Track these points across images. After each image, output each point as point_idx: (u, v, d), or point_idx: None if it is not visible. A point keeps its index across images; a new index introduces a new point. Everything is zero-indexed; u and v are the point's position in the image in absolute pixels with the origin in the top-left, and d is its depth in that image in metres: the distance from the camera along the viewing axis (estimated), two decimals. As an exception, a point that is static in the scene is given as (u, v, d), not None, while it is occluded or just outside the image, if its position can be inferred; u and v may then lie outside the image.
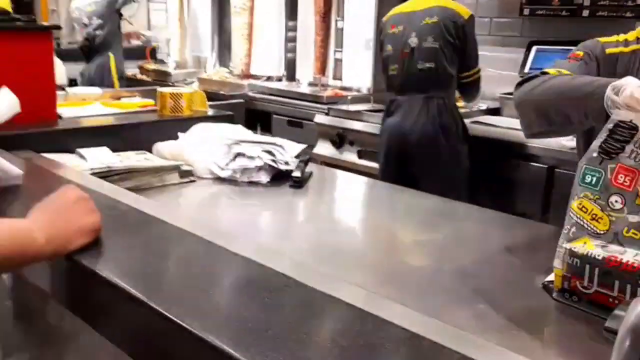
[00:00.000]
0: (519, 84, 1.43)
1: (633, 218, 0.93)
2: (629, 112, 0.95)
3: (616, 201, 0.94)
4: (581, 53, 1.44)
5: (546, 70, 1.40)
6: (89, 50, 4.91)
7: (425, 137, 2.70)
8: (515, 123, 2.91)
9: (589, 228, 0.96)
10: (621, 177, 0.95)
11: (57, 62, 2.01)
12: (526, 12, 3.21)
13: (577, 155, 1.55)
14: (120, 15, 4.98)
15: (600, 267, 0.93)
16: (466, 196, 2.50)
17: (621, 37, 1.45)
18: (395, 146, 2.80)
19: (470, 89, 2.92)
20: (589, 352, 0.89)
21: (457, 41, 2.71)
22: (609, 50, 1.43)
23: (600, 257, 0.93)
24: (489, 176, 2.77)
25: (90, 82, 4.75)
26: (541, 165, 2.61)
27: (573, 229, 0.97)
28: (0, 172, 1.22)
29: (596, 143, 0.97)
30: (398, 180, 2.61)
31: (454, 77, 2.78)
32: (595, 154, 0.97)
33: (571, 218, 0.98)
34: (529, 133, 1.40)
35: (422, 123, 2.71)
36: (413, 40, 2.75)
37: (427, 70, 2.73)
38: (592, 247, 0.94)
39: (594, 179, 0.97)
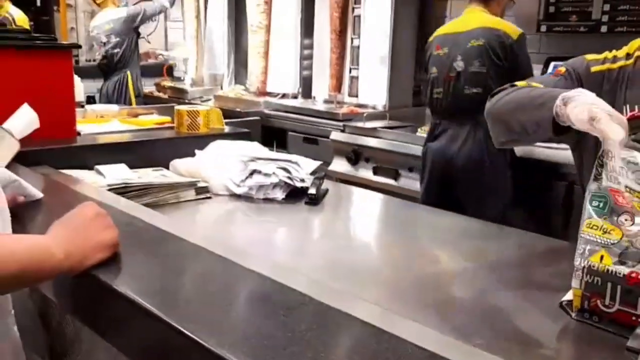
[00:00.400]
0: (491, 96, 1.45)
1: None
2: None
3: (626, 220, 0.94)
4: (563, 69, 1.42)
5: (516, 83, 1.40)
6: (107, 68, 4.99)
7: (471, 162, 2.64)
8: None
9: (603, 241, 0.94)
10: (619, 197, 0.95)
11: (76, 80, 2.04)
12: (543, 28, 3.20)
13: (576, 170, 1.55)
14: (138, 34, 5.06)
15: (623, 285, 0.91)
16: (509, 220, 2.41)
17: (611, 53, 1.40)
18: (439, 170, 2.74)
19: None
20: (611, 373, 0.88)
21: (505, 63, 2.61)
22: (594, 69, 1.38)
23: (621, 275, 0.91)
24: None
25: (107, 100, 4.83)
26: (561, 182, 2.58)
27: (587, 247, 0.96)
28: (23, 194, 1.23)
29: (594, 172, 0.99)
30: (440, 204, 2.54)
31: None
32: (593, 180, 0.98)
33: (583, 238, 0.97)
34: (497, 142, 1.44)
35: (469, 148, 2.65)
36: (459, 64, 2.68)
37: (474, 95, 2.64)
38: (610, 262, 0.92)
39: (601, 203, 0.97)
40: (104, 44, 4.94)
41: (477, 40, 2.63)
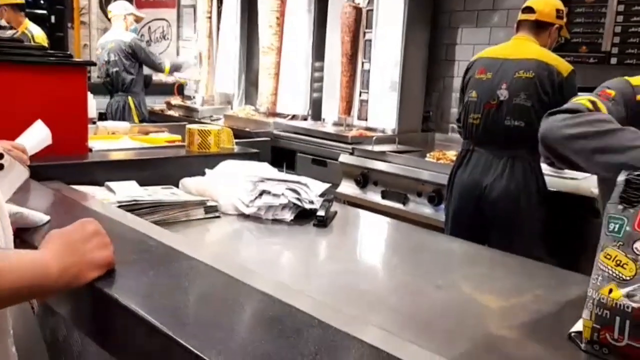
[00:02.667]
0: (551, 114, 1.37)
1: None
2: None
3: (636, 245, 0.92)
4: (613, 93, 1.36)
5: (580, 100, 1.33)
6: (111, 87, 5.08)
7: (506, 197, 2.53)
8: (543, 168, 2.89)
9: (614, 275, 0.93)
10: (636, 221, 0.92)
11: (88, 96, 2.06)
12: (553, 58, 3.22)
13: (600, 201, 1.50)
14: (140, 61, 5.12)
15: (631, 320, 0.90)
16: (539, 254, 2.34)
17: None
18: (469, 200, 2.63)
19: None
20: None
21: (552, 98, 2.49)
22: None
23: (629, 309, 0.90)
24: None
25: (112, 119, 4.88)
26: (571, 211, 2.57)
27: (600, 278, 0.95)
28: (26, 224, 1.22)
29: (615, 194, 0.97)
30: (468, 235, 2.48)
31: None
32: (617, 204, 0.96)
33: (598, 268, 0.96)
34: (546, 161, 1.38)
35: (505, 182, 2.53)
36: (503, 93, 2.56)
37: (515, 128, 2.53)
38: (618, 296, 0.91)
39: (617, 226, 0.95)
40: (107, 62, 5.02)
41: (527, 72, 2.53)
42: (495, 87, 2.58)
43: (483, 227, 2.60)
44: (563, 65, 2.53)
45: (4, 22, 4.87)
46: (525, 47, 2.61)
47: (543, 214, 2.55)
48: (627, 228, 0.94)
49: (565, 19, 2.69)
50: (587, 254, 2.61)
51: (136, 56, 5.03)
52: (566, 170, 2.79)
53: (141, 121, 4.95)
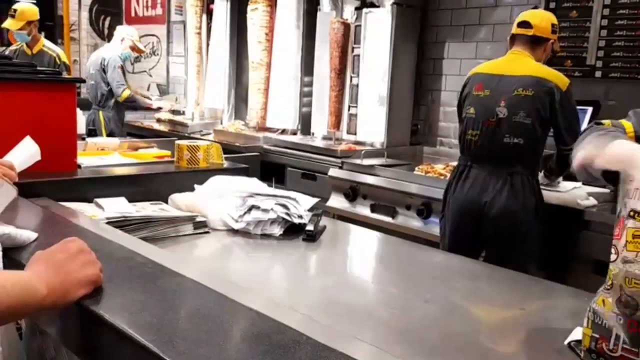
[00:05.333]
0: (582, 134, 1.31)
1: (629, 267, 0.91)
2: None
3: (611, 253, 0.93)
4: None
5: (604, 121, 1.30)
6: (86, 102, 5.12)
7: (505, 214, 2.53)
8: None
9: (604, 285, 0.95)
10: (617, 229, 0.94)
11: (77, 112, 2.06)
12: (539, 72, 3.26)
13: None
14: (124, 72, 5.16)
15: (625, 332, 0.91)
16: (533, 269, 2.36)
17: None
18: (467, 217, 2.62)
19: (567, 163, 2.63)
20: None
21: (551, 116, 2.52)
22: None
23: (621, 321, 0.91)
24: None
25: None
26: (556, 223, 2.59)
27: (600, 288, 0.96)
28: (14, 245, 1.21)
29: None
30: (467, 246, 2.46)
31: (541, 154, 2.62)
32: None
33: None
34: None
35: (504, 199, 2.53)
36: (502, 111, 2.55)
37: (514, 145, 2.53)
38: (611, 308, 0.92)
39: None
40: (88, 76, 5.09)
41: (526, 90, 2.52)
42: (494, 104, 2.58)
43: (481, 243, 2.60)
44: (561, 81, 2.53)
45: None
46: (522, 63, 2.61)
47: (541, 231, 2.56)
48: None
49: (558, 33, 2.72)
50: (574, 265, 2.63)
51: (106, 72, 5.08)
52: (558, 184, 2.84)
53: (109, 135, 4.96)
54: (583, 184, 2.56)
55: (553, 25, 2.64)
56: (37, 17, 4.89)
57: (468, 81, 2.73)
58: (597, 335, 0.95)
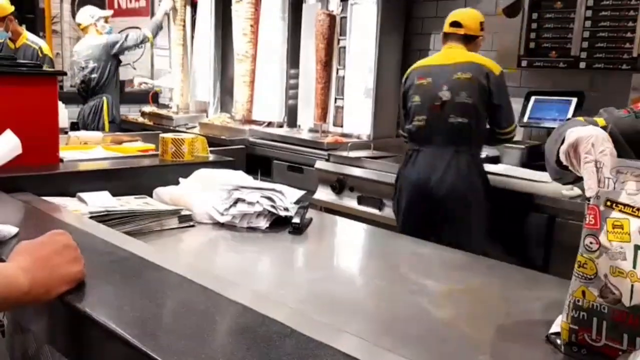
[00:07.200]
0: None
1: (612, 257, 0.90)
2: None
3: (591, 243, 0.92)
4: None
5: (579, 118, 1.30)
6: (85, 93, 5.02)
7: (453, 192, 2.66)
8: (515, 171, 2.94)
9: (580, 275, 0.94)
10: (590, 217, 0.93)
11: (59, 106, 2.03)
12: (524, 64, 3.27)
13: None
14: (119, 61, 5.09)
15: (608, 321, 0.91)
16: (483, 252, 2.42)
17: None
18: (418, 199, 2.74)
19: (503, 143, 2.94)
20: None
21: (490, 97, 2.70)
22: None
23: (606, 310, 0.91)
24: (488, 224, 2.76)
25: (84, 124, 4.85)
26: (541, 214, 2.61)
27: (574, 280, 0.96)
28: None
29: None
30: (419, 233, 2.54)
31: (483, 134, 2.77)
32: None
33: (575, 269, 0.96)
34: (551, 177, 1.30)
35: (451, 178, 2.66)
36: (445, 94, 2.71)
37: (459, 124, 2.69)
38: (593, 298, 0.92)
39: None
40: (83, 68, 4.97)
41: (465, 73, 2.70)
42: (437, 89, 2.73)
43: (434, 223, 2.71)
44: (494, 66, 2.73)
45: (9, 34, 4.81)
46: (458, 53, 2.80)
47: (489, 208, 2.69)
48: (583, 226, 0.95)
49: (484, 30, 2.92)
50: (558, 255, 2.67)
51: (118, 51, 4.97)
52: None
53: (111, 122, 4.90)
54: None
55: (481, 23, 2.87)
56: (9, 11, 4.77)
57: (408, 76, 2.91)
58: (576, 327, 0.94)
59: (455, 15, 2.87)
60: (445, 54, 2.84)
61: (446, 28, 2.87)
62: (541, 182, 2.73)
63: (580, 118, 1.29)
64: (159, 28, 5.23)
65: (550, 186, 2.66)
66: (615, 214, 0.91)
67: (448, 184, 2.66)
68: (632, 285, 0.88)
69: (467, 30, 2.82)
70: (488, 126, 2.79)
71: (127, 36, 5.05)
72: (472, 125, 2.69)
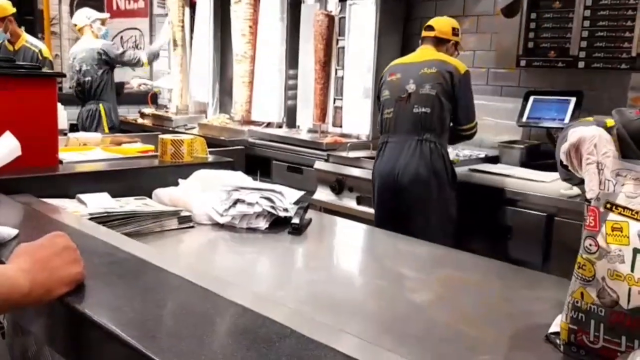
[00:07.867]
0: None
1: (610, 260, 0.90)
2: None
3: (590, 244, 0.92)
4: None
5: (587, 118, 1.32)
6: (82, 96, 5.02)
7: (417, 179, 2.77)
8: (514, 171, 2.95)
9: (579, 276, 0.94)
10: (590, 219, 0.93)
11: (59, 108, 2.03)
12: (523, 63, 3.28)
13: None
14: (113, 67, 5.08)
15: (605, 323, 0.91)
16: (452, 243, 2.46)
17: None
18: (386, 188, 2.86)
19: (464, 140, 3.03)
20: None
21: (453, 91, 2.83)
22: None
23: (603, 313, 0.91)
24: (487, 224, 2.77)
25: (82, 128, 4.83)
26: (540, 213, 2.61)
27: (574, 280, 0.96)
28: None
29: None
30: (391, 220, 2.73)
31: (446, 124, 2.87)
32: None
33: (575, 271, 0.96)
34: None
35: (415, 165, 2.78)
36: (410, 87, 2.86)
37: (422, 114, 2.82)
38: (591, 300, 0.92)
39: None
40: (78, 71, 4.97)
41: (430, 68, 2.86)
42: (404, 83, 2.89)
43: (404, 213, 2.80)
44: (460, 65, 2.88)
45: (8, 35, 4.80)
46: (428, 53, 2.97)
47: (454, 198, 2.80)
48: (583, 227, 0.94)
49: (460, 37, 3.09)
50: (558, 254, 2.68)
51: (110, 61, 4.99)
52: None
53: (111, 128, 4.89)
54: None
55: (454, 28, 3.05)
56: (10, 12, 4.74)
57: (384, 74, 3.05)
58: (575, 327, 0.94)
59: (430, 20, 3.07)
60: (417, 54, 3.02)
61: (422, 32, 3.06)
62: (540, 181, 2.73)
63: (590, 118, 1.28)
64: (155, 56, 5.28)
65: (549, 186, 2.66)
66: (614, 217, 0.91)
67: (412, 170, 2.78)
68: (630, 289, 0.88)
69: (438, 33, 2.99)
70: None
71: (123, 52, 5.10)
72: (434, 114, 2.82)
